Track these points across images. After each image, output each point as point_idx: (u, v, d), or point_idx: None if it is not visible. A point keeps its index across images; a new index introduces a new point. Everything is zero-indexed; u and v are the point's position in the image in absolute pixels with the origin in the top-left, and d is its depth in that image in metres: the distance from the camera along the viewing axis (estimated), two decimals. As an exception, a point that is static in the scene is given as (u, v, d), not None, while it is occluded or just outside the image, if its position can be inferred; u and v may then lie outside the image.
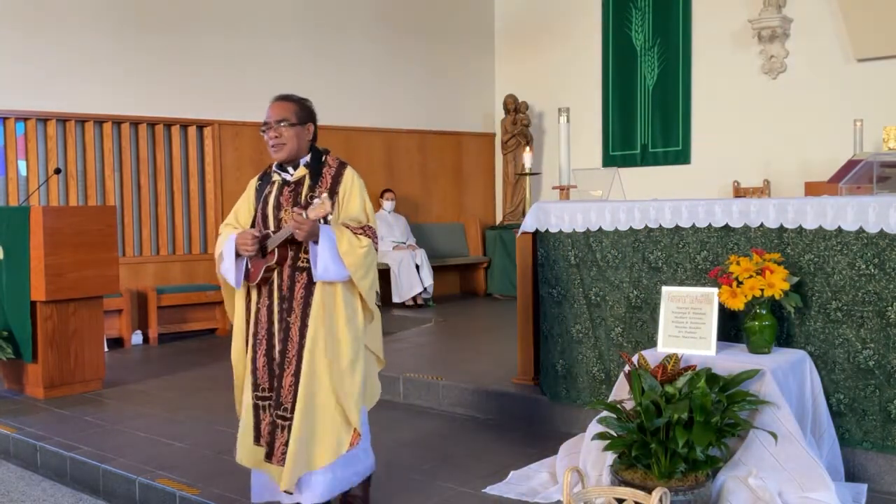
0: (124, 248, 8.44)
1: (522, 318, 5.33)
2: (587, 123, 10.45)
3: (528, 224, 5.12)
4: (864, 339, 3.90)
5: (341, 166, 3.51)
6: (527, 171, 9.27)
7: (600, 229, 4.78)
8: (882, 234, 3.84)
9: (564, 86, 10.83)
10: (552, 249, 5.01)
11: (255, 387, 3.50)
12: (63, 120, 8.16)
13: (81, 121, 8.28)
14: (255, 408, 3.50)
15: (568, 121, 5.72)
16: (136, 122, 8.58)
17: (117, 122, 8.46)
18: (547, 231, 5.03)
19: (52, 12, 8.04)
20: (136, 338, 8.21)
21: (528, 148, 10.27)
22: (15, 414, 5.58)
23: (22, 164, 8.00)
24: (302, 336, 3.38)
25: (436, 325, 8.42)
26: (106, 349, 6.81)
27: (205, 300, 8.56)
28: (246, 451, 3.54)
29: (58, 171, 6.80)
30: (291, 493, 3.41)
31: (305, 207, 3.33)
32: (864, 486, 3.81)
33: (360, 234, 3.37)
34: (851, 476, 3.93)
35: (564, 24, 10.91)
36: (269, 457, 3.44)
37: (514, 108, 11.01)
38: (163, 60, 8.66)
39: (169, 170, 8.87)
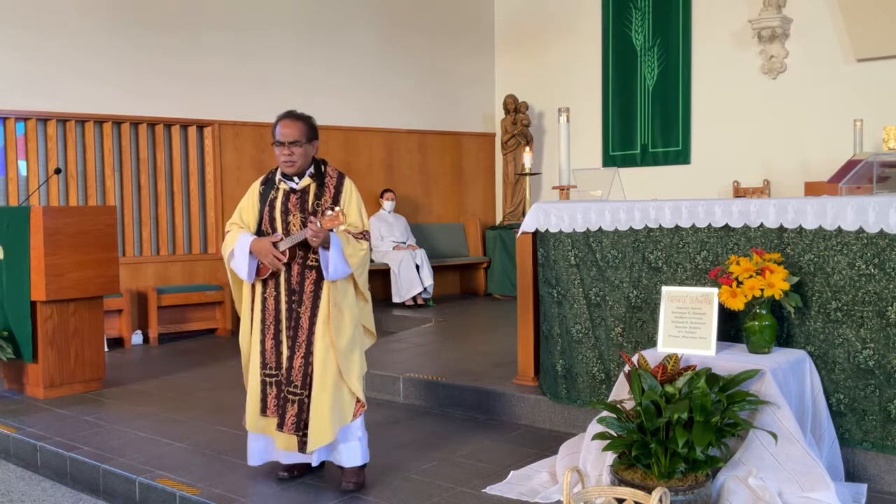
0: (124, 248, 8.45)
1: (522, 318, 5.33)
2: (587, 123, 10.46)
3: (528, 224, 5.12)
4: (864, 339, 3.90)
5: (341, 177, 4.03)
6: (527, 171, 9.29)
7: (600, 229, 4.78)
8: (882, 234, 3.84)
9: (564, 86, 10.83)
10: (552, 249, 5.01)
11: (263, 365, 4.01)
12: (63, 120, 8.16)
13: (81, 121, 8.29)
14: (263, 384, 4.01)
15: (568, 121, 5.72)
16: (136, 122, 8.59)
17: (117, 122, 8.46)
18: (547, 231, 5.03)
19: (53, 12, 8.04)
20: (136, 338, 8.21)
21: (528, 148, 10.29)
22: (15, 414, 5.58)
23: (22, 164, 8.00)
24: (312, 324, 3.90)
25: (436, 325, 8.42)
26: (106, 349, 6.81)
27: (205, 300, 8.57)
28: (252, 419, 4.05)
29: (58, 171, 6.80)
30: (310, 455, 3.94)
31: (314, 214, 3.88)
32: (864, 486, 3.81)
33: (360, 238, 3.92)
34: (851, 476, 3.93)
35: (564, 24, 10.92)
36: (280, 426, 3.93)
37: (514, 108, 11.01)
38: (163, 60, 8.66)
39: (169, 170, 8.87)
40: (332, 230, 3.76)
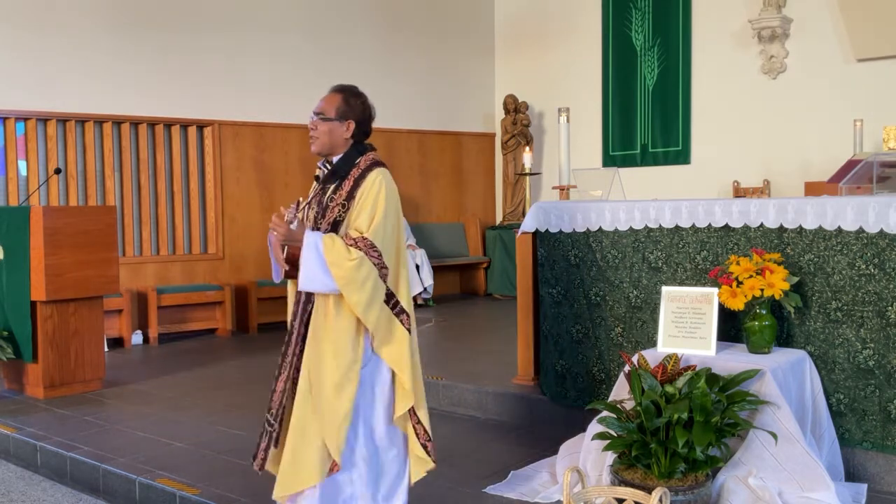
0: (124, 248, 8.44)
1: (522, 318, 5.33)
2: (587, 123, 10.46)
3: (528, 224, 5.12)
4: (864, 339, 3.90)
5: (368, 169, 3.19)
6: (527, 171, 9.28)
7: (600, 229, 4.78)
8: (882, 234, 3.84)
9: (564, 86, 10.83)
10: (552, 249, 5.01)
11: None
12: (63, 120, 8.16)
13: (81, 121, 8.28)
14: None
15: (568, 121, 5.72)
16: (136, 122, 8.58)
17: (117, 122, 8.46)
18: (547, 231, 5.03)
19: (53, 13, 8.04)
20: (136, 338, 8.21)
21: (528, 148, 10.28)
22: (15, 414, 5.58)
23: (22, 164, 8.00)
24: (301, 346, 3.18)
25: (436, 325, 8.42)
26: (106, 349, 6.81)
27: (205, 300, 8.57)
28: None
29: (58, 171, 6.80)
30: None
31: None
32: (864, 486, 3.81)
33: (352, 245, 3.03)
34: (851, 476, 3.93)
35: (564, 24, 10.92)
36: (253, 458, 3.27)
37: (514, 108, 11.01)
38: (163, 60, 8.66)
39: (169, 170, 8.87)
40: (328, 226, 3.12)
